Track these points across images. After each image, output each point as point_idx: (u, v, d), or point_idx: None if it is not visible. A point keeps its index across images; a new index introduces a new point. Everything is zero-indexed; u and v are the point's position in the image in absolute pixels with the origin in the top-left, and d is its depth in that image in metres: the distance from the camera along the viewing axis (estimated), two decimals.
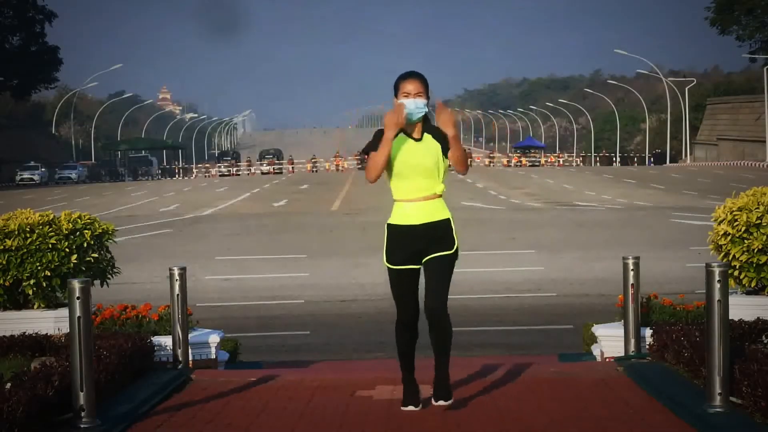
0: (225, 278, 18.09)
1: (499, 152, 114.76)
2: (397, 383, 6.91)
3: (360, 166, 78.25)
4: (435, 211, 6.54)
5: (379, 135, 6.61)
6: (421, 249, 6.51)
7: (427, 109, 6.60)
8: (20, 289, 8.75)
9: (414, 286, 6.58)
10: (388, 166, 6.55)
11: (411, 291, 6.58)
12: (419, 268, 6.57)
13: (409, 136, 6.58)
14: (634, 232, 24.91)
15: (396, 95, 6.62)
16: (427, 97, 6.60)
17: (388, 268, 6.58)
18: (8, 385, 6.31)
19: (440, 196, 6.57)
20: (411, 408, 6.69)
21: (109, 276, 9.21)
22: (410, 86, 6.56)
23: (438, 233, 6.51)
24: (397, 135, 6.54)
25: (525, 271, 18.05)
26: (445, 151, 6.55)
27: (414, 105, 6.53)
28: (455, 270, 6.61)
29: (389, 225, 6.58)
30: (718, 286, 6.30)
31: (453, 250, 6.53)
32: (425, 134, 6.59)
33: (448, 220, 6.56)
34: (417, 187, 6.53)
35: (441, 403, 6.57)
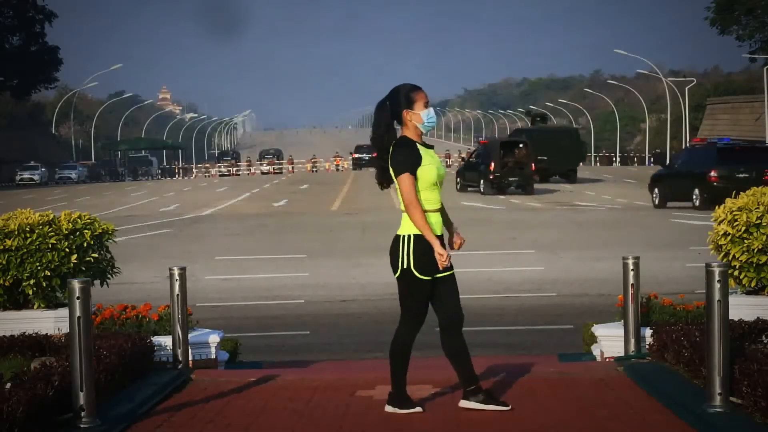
0: (225, 278, 18.08)
1: None
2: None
3: (355, 167, 78.65)
4: (444, 223, 6.71)
5: (411, 154, 6.53)
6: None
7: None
8: (20, 289, 8.75)
9: (430, 297, 6.66)
10: (425, 177, 6.52)
11: (427, 302, 6.65)
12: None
13: (424, 146, 6.64)
14: (634, 232, 24.91)
15: (410, 107, 6.57)
16: None
17: (419, 279, 6.48)
18: (8, 385, 6.31)
19: None
20: (419, 410, 6.69)
21: (109, 276, 9.21)
22: (426, 97, 6.64)
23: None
24: (417, 147, 6.59)
25: (525, 271, 18.05)
26: None
27: (433, 115, 6.67)
28: (455, 270, 6.74)
29: (416, 236, 6.47)
30: (718, 286, 6.31)
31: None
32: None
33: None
34: (438, 197, 6.64)
35: (465, 403, 6.73)
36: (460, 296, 6.66)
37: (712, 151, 32.60)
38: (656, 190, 34.07)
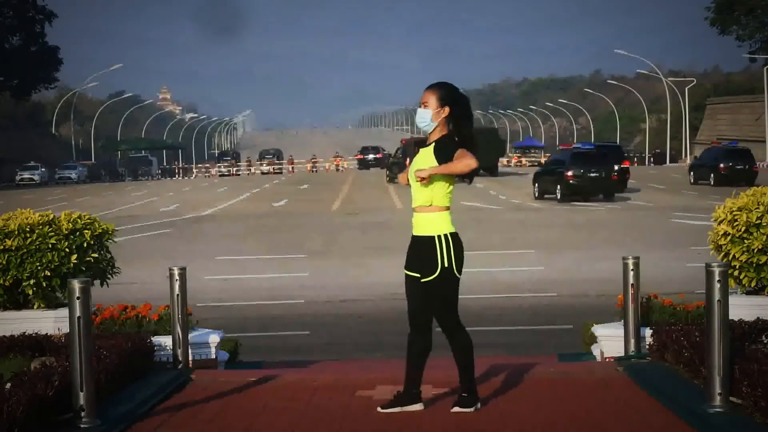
0: (225, 278, 18.08)
1: None
2: (397, 383, 6.91)
3: (359, 166, 79.61)
4: (424, 226, 6.54)
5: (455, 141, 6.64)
6: (415, 260, 6.57)
7: (428, 121, 6.62)
8: (20, 289, 8.75)
9: (415, 293, 6.60)
10: None
11: (412, 296, 6.61)
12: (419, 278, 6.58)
13: (426, 144, 6.69)
14: (634, 232, 24.92)
15: None
16: (446, 104, 6.58)
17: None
18: (8, 385, 6.31)
19: (434, 209, 6.50)
20: (416, 407, 6.70)
21: (109, 276, 9.21)
22: (422, 97, 6.67)
23: (422, 251, 6.52)
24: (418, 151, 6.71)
25: (525, 271, 18.06)
26: (440, 162, 6.50)
27: (416, 116, 6.71)
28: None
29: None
30: (718, 286, 6.30)
31: (432, 276, 6.47)
32: (432, 144, 6.61)
33: (433, 237, 6.48)
34: (414, 197, 6.61)
35: (456, 409, 6.67)
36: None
37: (569, 155, 39.53)
38: (536, 185, 40.64)
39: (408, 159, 50.62)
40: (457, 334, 6.60)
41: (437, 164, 6.49)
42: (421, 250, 6.53)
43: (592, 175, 38.01)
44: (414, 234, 6.60)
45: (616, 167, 39.39)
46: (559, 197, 38.04)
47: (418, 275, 6.55)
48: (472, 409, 6.64)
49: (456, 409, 6.65)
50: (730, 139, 60.03)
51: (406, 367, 6.72)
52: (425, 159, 6.57)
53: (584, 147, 42.58)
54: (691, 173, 49.36)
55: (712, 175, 46.26)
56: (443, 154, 6.50)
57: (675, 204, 35.07)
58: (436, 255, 6.47)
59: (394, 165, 54.57)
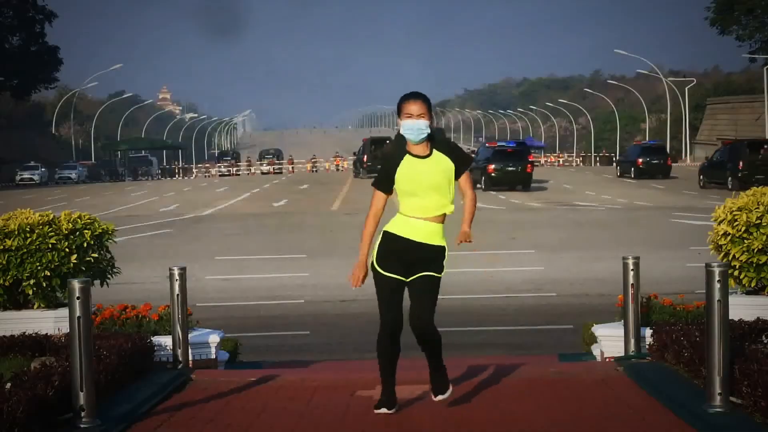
0: (225, 278, 18.08)
1: None
2: (398, 383, 6.90)
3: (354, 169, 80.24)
4: (434, 235, 6.53)
5: (384, 168, 6.66)
6: (411, 264, 6.53)
7: (429, 131, 6.58)
8: (20, 289, 8.75)
9: (399, 296, 6.57)
10: (398, 186, 6.60)
11: (396, 300, 6.56)
12: (404, 282, 6.56)
13: (416, 156, 6.59)
14: (634, 232, 24.92)
15: (399, 116, 6.63)
16: (431, 117, 6.61)
17: (377, 272, 6.57)
18: (8, 385, 6.31)
19: (443, 219, 6.55)
20: (384, 411, 6.66)
21: (109, 276, 9.21)
22: (413, 107, 6.56)
23: (430, 256, 6.52)
24: (402, 158, 6.59)
25: (525, 271, 18.05)
26: (457, 172, 6.56)
27: (416, 127, 6.54)
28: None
29: (386, 232, 6.63)
30: (718, 286, 6.30)
31: (441, 274, 6.56)
32: (434, 151, 6.59)
33: (444, 248, 6.56)
34: (428, 206, 6.53)
35: (440, 397, 6.68)
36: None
37: (492, 152, 46.84)
38: None
39: (365, 156, 58.96)
40: (433, 330, 6.57)
41: (460, 171, 6.56)
42: (428, 254, 6.52)
43: (509, 169, 45.33)
44: (419, 240, 6.51)
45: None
46: (483, 187, 44.59)
47: (404, 279, 6.53)
48: (449, 393, 6.67)
49: (439, 397, 6.68)
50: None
51: (383, 372, 6.65)
52: (440, 168, 6.53)
53: (508, 144, 49.68)
54: (617, 168, 57.50)
55: (632, 169, 53.96)
56: (464, 159, 6.62)
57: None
58: (443, 261, 6.57)
59: (357, 162, 63.68)
